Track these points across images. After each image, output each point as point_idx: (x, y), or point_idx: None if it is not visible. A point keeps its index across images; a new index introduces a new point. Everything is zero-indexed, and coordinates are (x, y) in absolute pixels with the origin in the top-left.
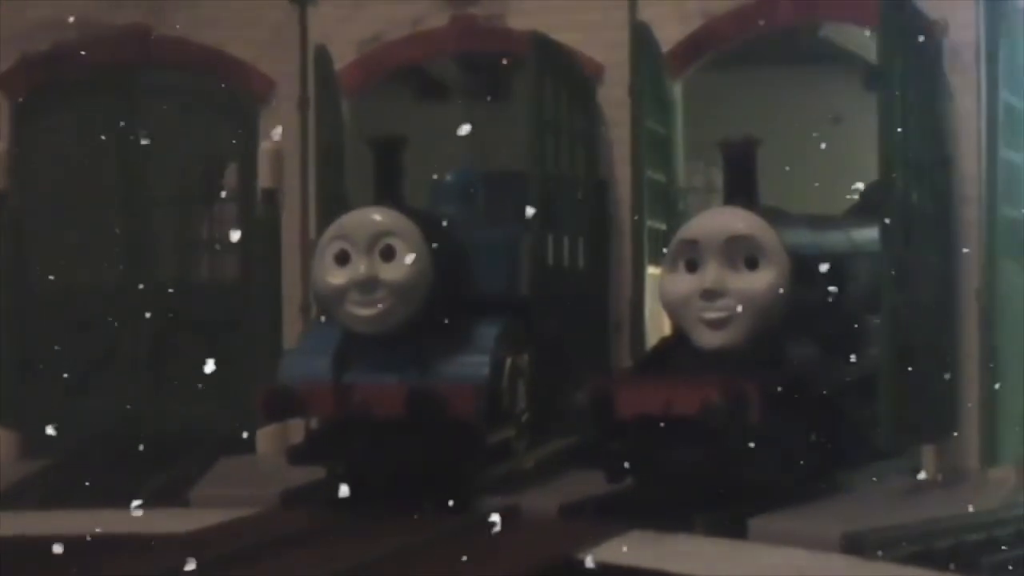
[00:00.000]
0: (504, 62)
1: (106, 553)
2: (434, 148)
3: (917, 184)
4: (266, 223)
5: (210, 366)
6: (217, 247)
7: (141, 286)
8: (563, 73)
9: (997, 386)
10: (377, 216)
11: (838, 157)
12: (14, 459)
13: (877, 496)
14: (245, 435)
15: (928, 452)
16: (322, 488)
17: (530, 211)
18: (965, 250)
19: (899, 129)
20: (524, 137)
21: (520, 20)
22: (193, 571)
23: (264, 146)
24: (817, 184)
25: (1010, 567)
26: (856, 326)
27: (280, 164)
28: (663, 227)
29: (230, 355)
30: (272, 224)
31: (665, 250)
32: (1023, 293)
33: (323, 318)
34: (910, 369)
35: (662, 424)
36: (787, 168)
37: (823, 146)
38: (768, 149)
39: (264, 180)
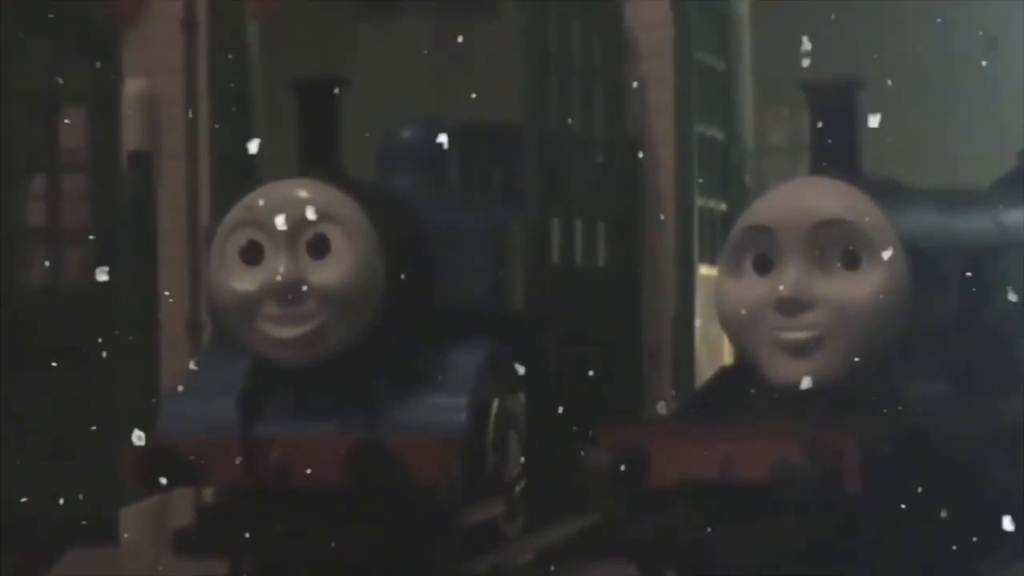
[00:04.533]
0: None
1: None
2: (385, 89)
3: None
4: (135, 202)
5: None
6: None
7: None
8: None
9: None
10: (302, 192)
11: (989, 101)
12: None
13: None
14: (106, 516)
15: None
16: None
17: (527, 183)
18: None
19: None
20: (517, 75)
21: None
22: None
23: (131, 88)
24: (955, 142)
25: None
26: (1006, 353)
27: (156, 115)
28: (722, 208)
29: (84, 396)
30: (145, 203)
31: (727, 242)
32: None
33: (222, 341)
34: None
35: (718, 494)
36: (908, 119)
37: (966, 85)
38: (879, 91)
39: (132, 138)
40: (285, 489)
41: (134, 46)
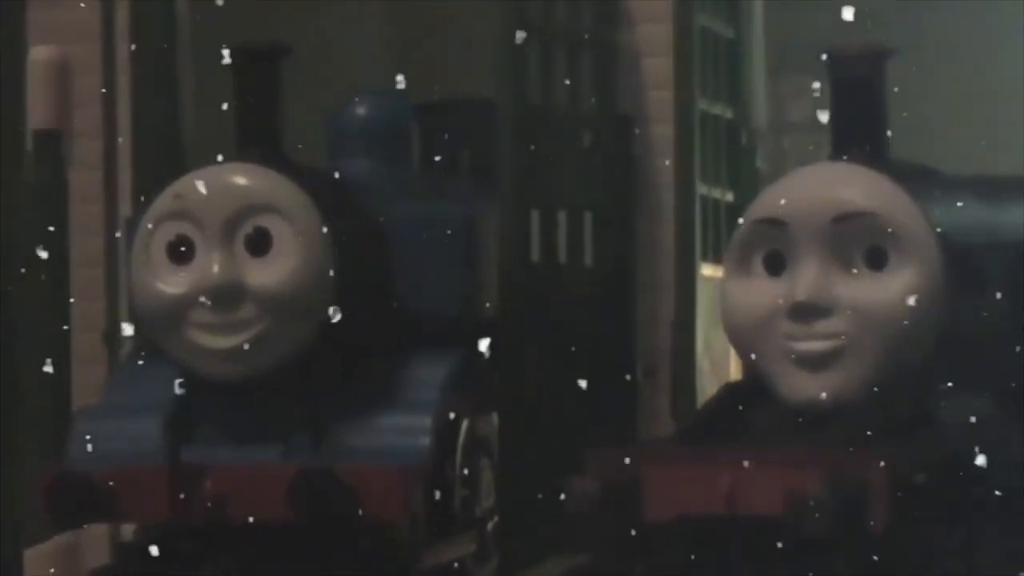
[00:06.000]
0: None
1: None
2: (336, 57)
3: None
4: (42, 190)
5: None
6: None
7: None
8: None
9: None
10: (240, 178)
11: None
12: None
13: None
14: (6, 557)
15: None
16: None
17: (502, 168)
18: None
19: None
20: (491, 40)
21: None
22: None
23: (37, 55)
24: (999, 122)
25: None
26: None
27: (66, 86)
28: (728, 197)
29: None
30: (54, 192)
31: (733, 237)
32: None
33: (145, 353)
34: None
35: (723, 530)
36: (946, 95)
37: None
38: (911, 62)
39: (38, 115)
40: (219, 525)
41: (41, 6)
